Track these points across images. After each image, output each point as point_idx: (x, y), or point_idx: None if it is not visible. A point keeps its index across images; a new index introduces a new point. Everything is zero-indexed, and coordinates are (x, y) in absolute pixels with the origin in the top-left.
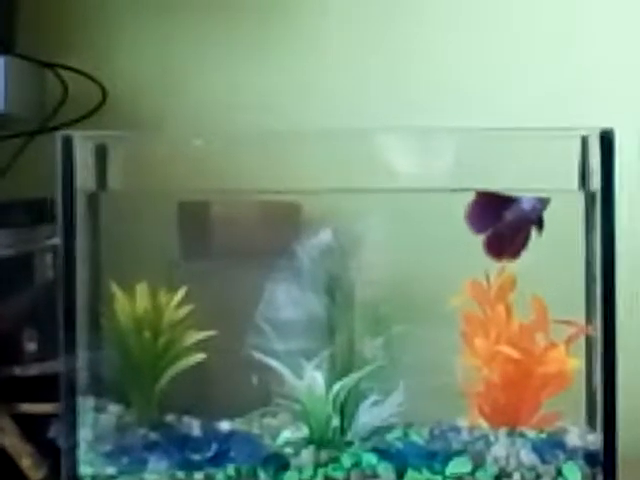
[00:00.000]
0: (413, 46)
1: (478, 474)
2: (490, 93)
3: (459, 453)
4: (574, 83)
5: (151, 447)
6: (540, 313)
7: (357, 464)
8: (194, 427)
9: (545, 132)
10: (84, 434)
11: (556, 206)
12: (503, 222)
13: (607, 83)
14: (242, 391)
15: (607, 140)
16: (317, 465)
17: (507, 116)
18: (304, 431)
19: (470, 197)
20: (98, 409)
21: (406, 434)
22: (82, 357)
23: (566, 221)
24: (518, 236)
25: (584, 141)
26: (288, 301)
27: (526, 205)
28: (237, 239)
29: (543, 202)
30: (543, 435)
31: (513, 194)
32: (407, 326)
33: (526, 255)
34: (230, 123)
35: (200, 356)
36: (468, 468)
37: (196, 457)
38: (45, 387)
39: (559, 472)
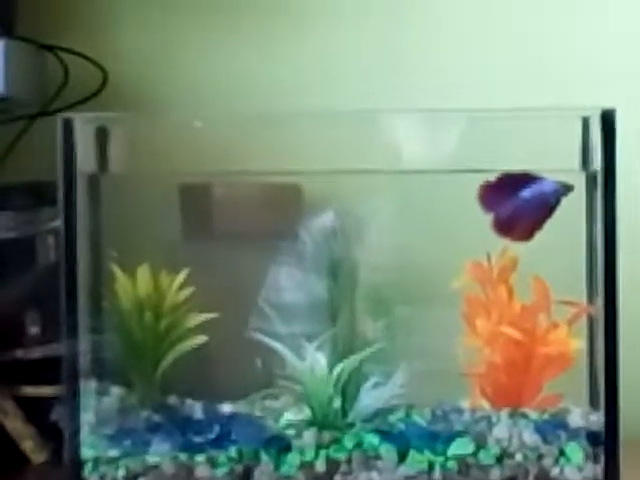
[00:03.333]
0: (415, 29)
1: (480, 455)
2: (490, 75)
3: (461, 434)
4: (575, 63)
5: (153, 429)
6: (542, 294)
7: (359, 445)
8: (196, 409)
9: (546, 112)
10: (86, 417)
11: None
12: (519, 200)
13: (608, 62)
14: (244, 373)
15: (608, 120)
16: (319, 446)
17: (507, 98)
18: (306, 413)
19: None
20: (100, 392)
21: (408, 415)
22: (84, 340)
23: (567, 201)
24: (533, 216)
25: (585, 121)
26: (290, 284)
27: (547, 187)
28: (239, 221)
29: (566, 188)
30: (545, 416)
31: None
32: (409, 308)
33: None
34: (232, 105)
35: (202, 338)
36: (470, 449)
37: (198, 439)
38: (47, 370)
39: (561, 452)
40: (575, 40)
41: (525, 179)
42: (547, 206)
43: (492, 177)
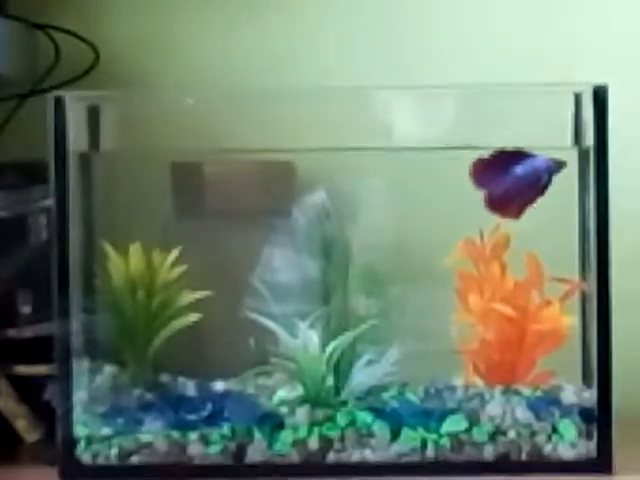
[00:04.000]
0: (412, 3)
1: (473, 432)
2: (484, 52)
3: (454, 411)
4: (573, 41)
5: (146, 407)
6: (534, 271)
7: (352, 423)
8: (189, 387)
9: (538, 88)
10: (79, 395)
11: None
12: (511, 177)
13: (601, 39)
14: (236, 351)
15: (600, 96)
16: (312, 424)
17: (499, 73)
18: (299, 390)
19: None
20: (93, 370)
21: (401, 393)
22: (76, 318)
23: (560, 178)
24: (525, 194)
25: (577, 97)
26: (283, 263)
27: (540, 164)
28: (231, 199)
29: (559, 164)
30: (538, 393)
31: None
32: (402, 286)
33: None
34: (224, 83)
35: (194, 316)
36: (463, 426)
37: (191, 417)
38: (40, 349)
39: (554, 429)
40: (575, 18)
41: (518, 156)
42: (540, 183)
43: (485, 154)
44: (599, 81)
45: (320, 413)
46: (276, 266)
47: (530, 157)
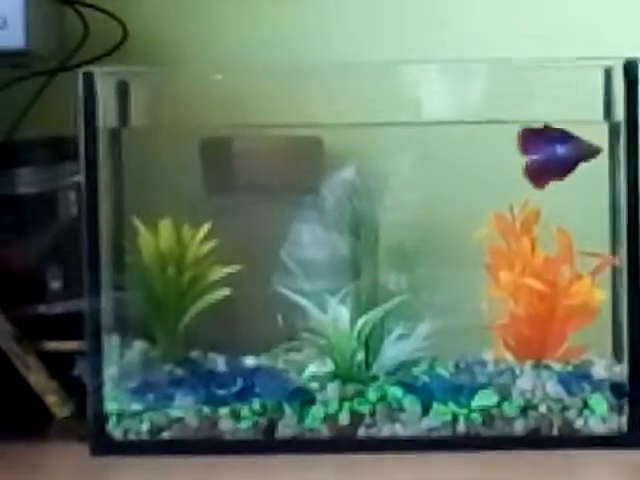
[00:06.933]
0: None
1: (504, 407)
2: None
3: (485, 386)
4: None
5: (177, 383)
6: (565, 245)
7: (383, 398)
8: (219, 363)
9: (569, 62)
10: (109, 371)
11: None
12: (552, 153)
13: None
14: (267, 326)
15: (631, 70)
16: (343, 399)
17: (529, 48)
18: (329, 365)
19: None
20: (123, 346)
21: (432, 368)
22: (106, 294)
23: None
24: (559, 171)
25: (608, 71)
26: (312, 240)
27: (579, 148)
28: (260, 174)
29: (595, 151)
30: (569, 367)
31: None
32: (432, 261)
33: (551, 187)
34: (253, 58)
35: (224, 291)
36: (494, 401)
37: (222, 392)
38: (70, 325)
39: (585, 404)
40: None
41: (562, 135)
42: (572, 165)
43: (526, 126)
44: (630, 55)
45: (350, 388)
46: (305, 242)
47: (573, 138)
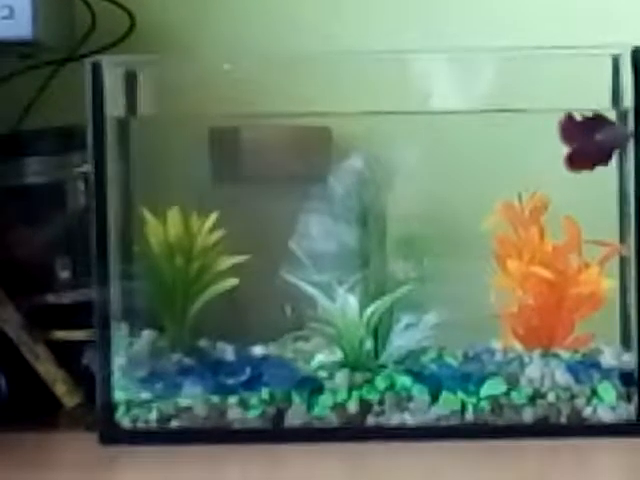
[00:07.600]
0: None
1: (513, 395)
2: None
3: (493, 375)
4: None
5: (185, 372)
6: (573, 234)
7: (391, 386)
8: (228, 352)
9: (577, 50)
10: (118, 360)
11: None
12: (591, 140)
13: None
14: (275, 315)
15: (639, 58)
16: (351, 388)
17: (536, 36)
18: (338, 354)
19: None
20: (132, 335)
21: (440, 356)
22: (115, 284)
23: None
24: (598, 159)
25: (615, 60)
26: (320, 228)
27: (613, 134)
28: (268, 163)
29: (628, 136)
30: (577, 356)
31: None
32: (440, 250)
33: (558, 176)
34: (262, 48)
35: (233, 281)
36: (502, 389)
37: (230, 381)
38: (79, 314)
39: (594, 392)
40: None
41: (602, 122)
42: (611, 152)
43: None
44: (638, 43)
45: (359, 377)
46: (313, 232)
47: (610, 126)
